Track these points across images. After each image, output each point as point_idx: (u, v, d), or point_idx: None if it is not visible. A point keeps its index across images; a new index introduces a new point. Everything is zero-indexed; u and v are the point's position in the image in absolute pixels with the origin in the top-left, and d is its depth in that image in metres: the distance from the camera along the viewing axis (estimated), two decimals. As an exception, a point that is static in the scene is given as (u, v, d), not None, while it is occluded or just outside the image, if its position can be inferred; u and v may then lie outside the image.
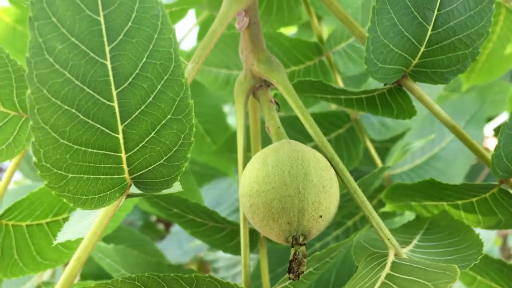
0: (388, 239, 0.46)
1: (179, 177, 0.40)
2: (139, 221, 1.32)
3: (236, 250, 0.65)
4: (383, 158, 0.96)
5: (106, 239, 0.87)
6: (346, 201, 0.64)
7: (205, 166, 1.19)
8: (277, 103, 0.54)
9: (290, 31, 1.27)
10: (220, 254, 1.18)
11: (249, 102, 0.58)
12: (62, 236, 0.45)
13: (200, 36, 1.01)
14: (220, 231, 0.64)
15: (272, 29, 0.79)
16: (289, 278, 0.44)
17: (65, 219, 0.56)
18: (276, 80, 0.52)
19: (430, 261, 0.45)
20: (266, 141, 0.57)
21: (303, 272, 0.44)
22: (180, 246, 1.24)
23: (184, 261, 1.23)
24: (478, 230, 0.96)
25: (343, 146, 0.89)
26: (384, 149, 1.03)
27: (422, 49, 0.51)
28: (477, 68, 1.02)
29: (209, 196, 1.22)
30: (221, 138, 1.08)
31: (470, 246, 0.48)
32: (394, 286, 0.38)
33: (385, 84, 0.55)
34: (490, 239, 0.99)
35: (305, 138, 0.84)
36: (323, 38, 0.81)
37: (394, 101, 0.57)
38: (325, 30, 1.11)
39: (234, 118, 1.18)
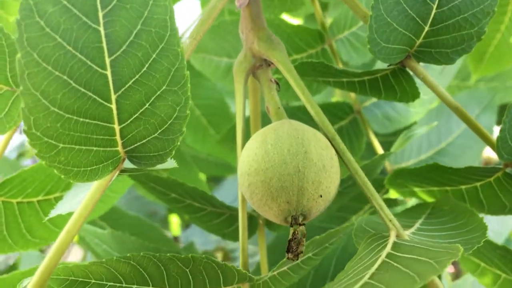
0: (390, 220, 0.45)
1: (173, 152, 0.39)
2: (163, 211, 1.31)
3: (234, 236, 0.64)
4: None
5: (111, 224, 0.86)
6: (347, 187, 0.63)
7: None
8: (277, 83, 0.52)
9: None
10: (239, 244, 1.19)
11: (249, 84, 0.57)
12: (54, 212, 0.44)
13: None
14: (219, 217, 0.63)
15: (274, 15, 0.78)
16: (288, 258, 0.43)
17: (57, 198, 0.55)
18: (277, 58, 0.51)
19: (432, 242, 0.44)
20: (266, 123, 0.55)
21: (302, 252, 0.43)
22: (203, 234, 1.24)
23: (210, 249, 1.24)
24: (493, 221, 0.94)
25: (345, 138, 0.88)
26: (389, 143, 1.01)
27: (427, 28, 0.50)
28: (485, 59, 1.00)
29: (232, 190, 1.22)
30: (224, 129, 1.08)
31: (473, 230, 0.47)
32: (395, 264, 0.37)
33: (389, 65, 0.53)
34: (505, 232, 0.98)
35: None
36: (326, 26, 0.80)
37: (397, 83, 0.55)
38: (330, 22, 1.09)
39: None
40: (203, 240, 1.23)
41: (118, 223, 0.91)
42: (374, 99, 0.88)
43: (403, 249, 0.40)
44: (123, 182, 0.65)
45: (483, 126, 0.51)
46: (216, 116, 1.09)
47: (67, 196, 0.49)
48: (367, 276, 0.36)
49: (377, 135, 0.91)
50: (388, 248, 0.41)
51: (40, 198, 0.56)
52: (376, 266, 0.38)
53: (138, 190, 1.14)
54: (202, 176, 1.45)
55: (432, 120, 0.95)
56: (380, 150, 0.84)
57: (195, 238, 1.24)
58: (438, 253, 0.37)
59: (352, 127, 0.88)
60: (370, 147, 0.90)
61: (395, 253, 0.40)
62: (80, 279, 0.48)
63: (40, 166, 0.56)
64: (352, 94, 0.86)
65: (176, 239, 1.40)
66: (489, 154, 1.34)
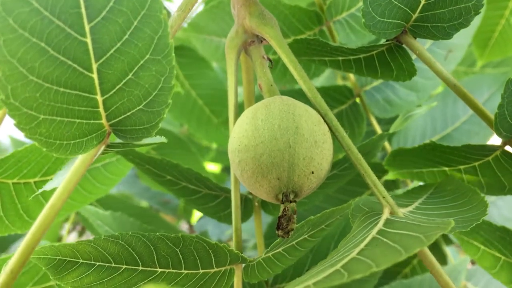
0: (384, 197, 0.43)
1: (160, 125, 0.38)
2: (175, 200, 1.31)
3: (230, 219, 0.63)
4: (389, 140, 0.94)
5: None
6: (344, 169, 0.62)
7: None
8: (269, 60, 0.51)
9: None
10: (251, 234, 1.18)
11: (242, 62, 0.56)
12: (41, 190, 0.44)
13: (208, 2, 0.98)
14: (214, 199, 0.62)
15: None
16: (278, 235, 0.42)
17: (54, 180, 0.54)
18: (269, 34, 0.50)
19: (426, 219, 0.42)
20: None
21: (292, 230, 0.42)
22: (217, 225, 1.26)
23: (224, 239, 1.25)
24: (503, 207, 0.92)
25: (345, 123, 0.87)
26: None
27: (423, 1, 0.48)
28: (490, 45, 0.99)
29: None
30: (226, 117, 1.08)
31: (473, 208, 0.46)
32: (385, 240, 0.36)
33: (386, 41, 0.52)
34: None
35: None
36: (324, 8, 0.79)
37: (393, 60, 0.54)
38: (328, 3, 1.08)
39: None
40: (218, 231, 1.24)
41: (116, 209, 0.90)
42: (374, 83, 0.87)
43: (395, 225, 0.39)
44: (123, 164, 0.64)
45: (492, 110, 0.50)
46: (218, 105, 1.10)
47: (56, 175, 0.48)
48: (356, 252, 0.35)
49: (378, 122, 0.89)
50: (380, 225, 0.40)
51: (37, 179, 0.55)
52: (365, 242, 0.37)
53: (142, 179, 1.14)
54: (218, 167, 1.45)
55: (437, 106, 0.94)
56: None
57: (209, 228, 1.25)
58: (429, 228, 0.36)
59: (352, 111, 0.87)
60: (371, 134, 0.89)
61: (386, 229, 0.39)
62: (68, 259, 0.47)
63: (34, 147, 0.55)
64: (352, 78, 0.84)
65: (191, 229, 1.40)
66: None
